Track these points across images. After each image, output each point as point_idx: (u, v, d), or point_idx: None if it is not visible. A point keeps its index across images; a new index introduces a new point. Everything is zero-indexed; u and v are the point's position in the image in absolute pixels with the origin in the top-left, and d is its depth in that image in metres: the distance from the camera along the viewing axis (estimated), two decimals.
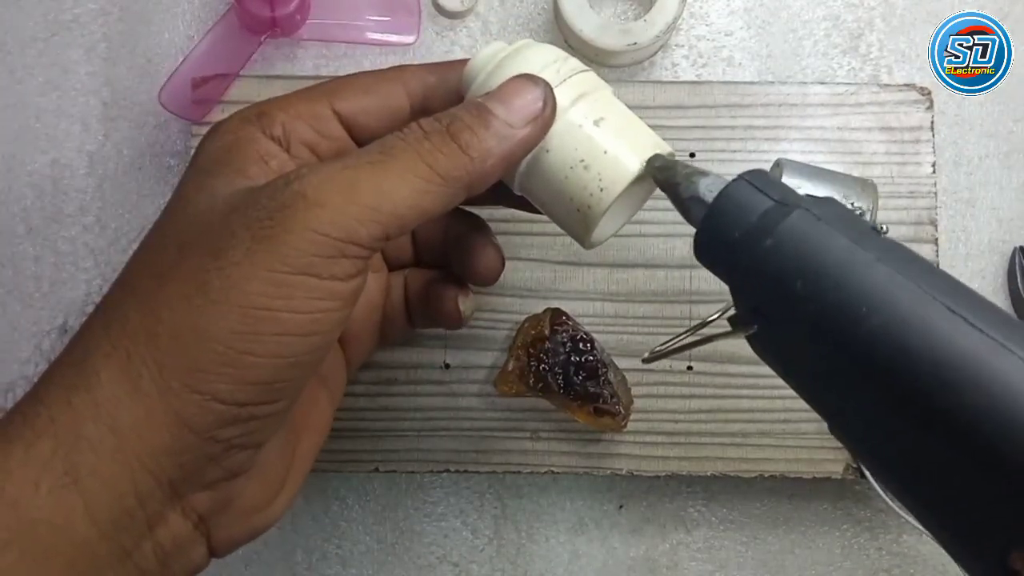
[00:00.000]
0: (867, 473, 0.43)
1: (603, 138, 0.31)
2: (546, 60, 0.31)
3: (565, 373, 0.41)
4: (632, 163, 0.30)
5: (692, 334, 0.31)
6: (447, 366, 0.44)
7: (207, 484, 0.28)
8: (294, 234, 0.26)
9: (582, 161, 0.30)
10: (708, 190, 0.28)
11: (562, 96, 0.31)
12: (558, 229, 0.45)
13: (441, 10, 0.49)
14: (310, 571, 0.47)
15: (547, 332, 0.42)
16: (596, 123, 0.31)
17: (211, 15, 0.49)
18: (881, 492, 0.43)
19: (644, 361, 0.32)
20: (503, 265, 0.37)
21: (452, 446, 0.44)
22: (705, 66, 0.50)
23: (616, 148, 0.30)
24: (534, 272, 0.45)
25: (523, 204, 0.34)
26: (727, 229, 0.27)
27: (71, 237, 0.48)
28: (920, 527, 0.25)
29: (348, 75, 0.33)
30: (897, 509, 0.44)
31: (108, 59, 0.49)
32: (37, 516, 0.25)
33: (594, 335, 0.42)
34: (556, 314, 0.43)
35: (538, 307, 0.44)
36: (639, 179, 0.31)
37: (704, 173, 0.29)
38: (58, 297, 0.47)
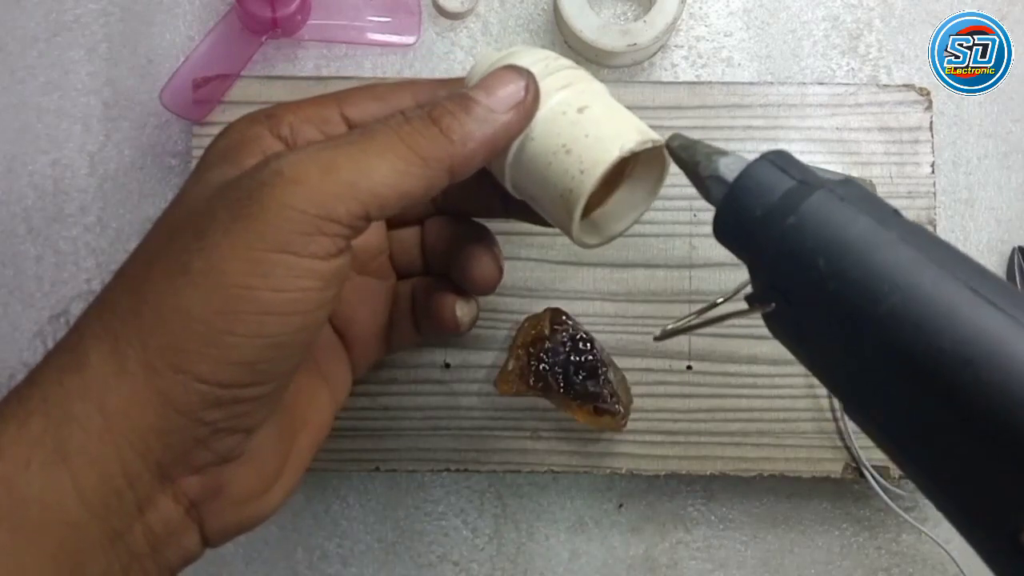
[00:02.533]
0: (866, 472, 0.43)
1: (585, 124, 0.31)
2: (535, 58, 0.32)
3: (565, 372, 0.41)
4: (613, 146, 0.30)
5: (704, 313, 0.31)
6: (447, 365, 0.44)
7: (197, 468, 0.28)
8: (271, 211, 0.26)
9: (564, 146, 0.30)
10: (729, 169, 0.29)
11: (547, 86, 0.31)
12: (558, 229, 0.45)
13: (441, 11, 0.49)
14: (311, 570, 0.47)
15: (547, 332, 0.42)
16: (580, 111, 0.31)
17: (212, 15, 0.49)
18: (880, 491, 0.43)
19: (656, 339, 0.32)
20: (500, 276, 0.37)
21: (452, 445, 0.44)
22: (704, 67, 0.50)
23: (598, 132, 0.30)
24: (534, 272, 0.45)
25: (529, 215, 0.35)
26: (748, 208, 0.27)
27: (72, 237, 0.48)
28: (931, 503, 0.25)
29: (360, 86, 0.34)
30: (896, 508, 0.44)
31: (109, 59, 0.49)
32: (27, 494, 0.25)
33: (594, 335, 0.43)
34: (556, 314, 0.43)
35: (538, 307, 0.44)
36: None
37: (724, 152, 0.29)
38: (59, 297, 0.47)
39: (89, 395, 0.26)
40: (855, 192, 0.26)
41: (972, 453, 0.23)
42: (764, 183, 0.27)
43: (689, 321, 0.31)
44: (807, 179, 0.27)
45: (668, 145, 0.31)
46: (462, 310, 0.37)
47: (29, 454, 0.25)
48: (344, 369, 0.37)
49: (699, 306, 0.30)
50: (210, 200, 0.28)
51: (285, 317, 0.27)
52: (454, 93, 0.30)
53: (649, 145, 0.31)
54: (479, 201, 0.37)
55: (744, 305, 0.29)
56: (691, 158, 0.30)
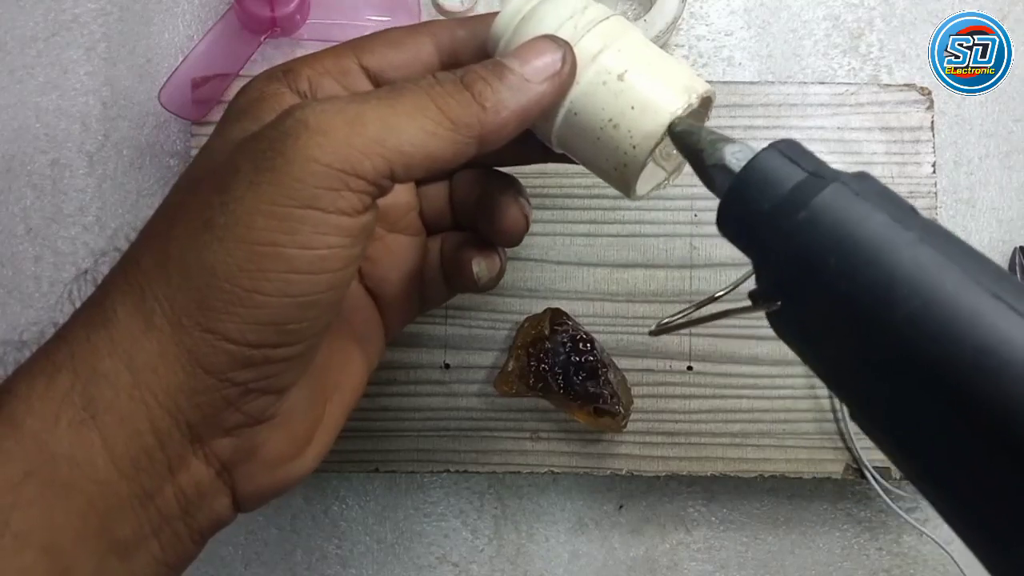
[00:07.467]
0: (867, 473, 0.43)
1: (629, 93, 0.30)
2: (563, 16, 0.31)
3: (565, 373, 0.41)
4: (661, 116, 0.29)
5: (701, 308, 0.29)
6: (447, 366, 0.44)
7: (228, 430, 0.27)
8: (295, 164, 0.25)
9: (611, 120, 0.30)
10: (735, 158, 0.27)
11: (582, 52, 0.30)
12: (558, 229, 0.45)
13: (441, 10, 0.49)
14: (310, 571, 0.47)
15: (547, 332, 0.42)
16: (620, 77, 0.30)
17: (211, 15, 0.49)
18: (881, 492, 0.43)
19: (651, 334, 0.30)
20: (526, 224, 0.36)
21: (452, 446, 0.44)
22: (705, 66, 0.50)
23: (644, 101, 0.29)
24: (534, 272, 0.45)
25: (569, 160, 0.33)
26: (755, 200, 0.26)
27: (71, 237, 0.48)
28: (942, 519, 0.24)
29: (377, 31, 0.33)
30: (897, 509, 0.44)
31: (108, 59, 0.49)
32: (57, 450, 0.25)
33: (594, 335, 0.42)
34: (556, 314, 0.43)
35: (538, 307, 0.44)
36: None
37: (730, 140, 0.27)
38: (58, 297, 0.47)
39: (116, 352, 0.26)
40: (871, 187, 0.25)
41: (988, 466, 0.22)
42: (773, 174, 0.25)
43: (686, 315, 0.29)
44: (820, 171, 0.25)
45: (671, 131, 0.29)
46: (479, 266, 0.36)
47: (58, 410, 0.25)
48: (377, 330, 0.36)
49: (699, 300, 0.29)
50: (232, 153, 0.27)
51: (313, 276, 0.26)
52: (487, 60, 0.29)
53: (696, 103, 0.30)
54: (516, 153, 0.35)
55: (747, 302, 0.27)
56: (695, 145, 0.28)
